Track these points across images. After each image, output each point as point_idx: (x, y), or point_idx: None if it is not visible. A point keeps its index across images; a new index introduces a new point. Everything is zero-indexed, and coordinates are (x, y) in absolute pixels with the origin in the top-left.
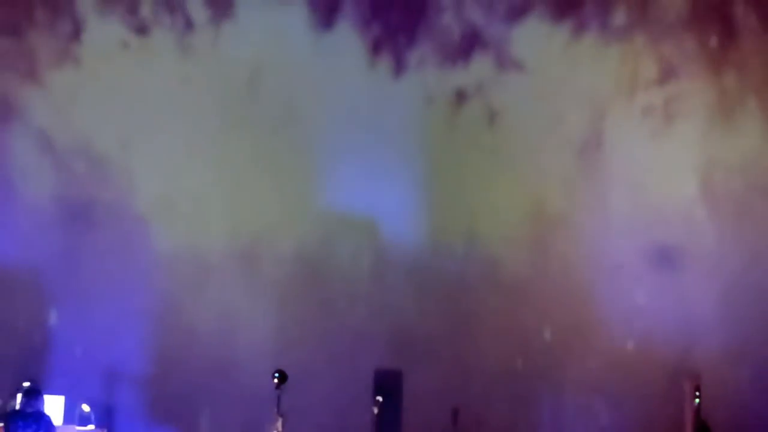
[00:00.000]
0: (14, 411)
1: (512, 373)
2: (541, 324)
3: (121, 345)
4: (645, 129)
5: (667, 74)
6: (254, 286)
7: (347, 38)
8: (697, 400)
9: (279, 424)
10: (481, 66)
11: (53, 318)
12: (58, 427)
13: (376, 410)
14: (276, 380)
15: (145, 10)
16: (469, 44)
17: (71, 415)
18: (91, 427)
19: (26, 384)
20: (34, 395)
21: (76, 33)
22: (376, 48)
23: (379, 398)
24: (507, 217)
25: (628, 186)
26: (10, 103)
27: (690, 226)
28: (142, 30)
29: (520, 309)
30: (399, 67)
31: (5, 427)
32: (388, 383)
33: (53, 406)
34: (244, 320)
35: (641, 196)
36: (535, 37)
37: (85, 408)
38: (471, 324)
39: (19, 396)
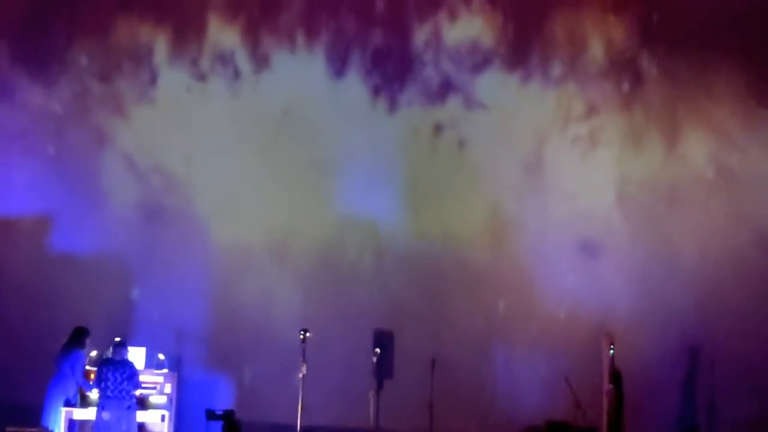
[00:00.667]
0: (106, 359)
1: (476, 334)
2: (497, 298)
3: (187, 312)
4: (575, 153)
5: (591, 111)
6: (284, 271)
7: (354, 84)
8: (612, 353)
9: (303, 368)
10: (453, 106)
11: (136, 293)
12: (140, 370)
13: (375, 359)
14: (301, 336)
15: (204, 64)
16: (445, 89)
17: (150, 361)
18: (165, 371)
19: (116, 339)
20: (121, 347)
21: (153, 80)
22: (375, 92)
23: (378, 350)
24: (472, 219)
25: (562, 196)
26: (103, 133)
27: (608, 227)
28: (201, 78)
29: (482, 288)
30: (392, 106)
31: (98, 371)
32: (383, 340)
33: (137, 355)
34: (277, 296)
35: (572, 203)
36: (493, 84)
37: (161, 357)
38: (445, 299)
39: (110, 348)
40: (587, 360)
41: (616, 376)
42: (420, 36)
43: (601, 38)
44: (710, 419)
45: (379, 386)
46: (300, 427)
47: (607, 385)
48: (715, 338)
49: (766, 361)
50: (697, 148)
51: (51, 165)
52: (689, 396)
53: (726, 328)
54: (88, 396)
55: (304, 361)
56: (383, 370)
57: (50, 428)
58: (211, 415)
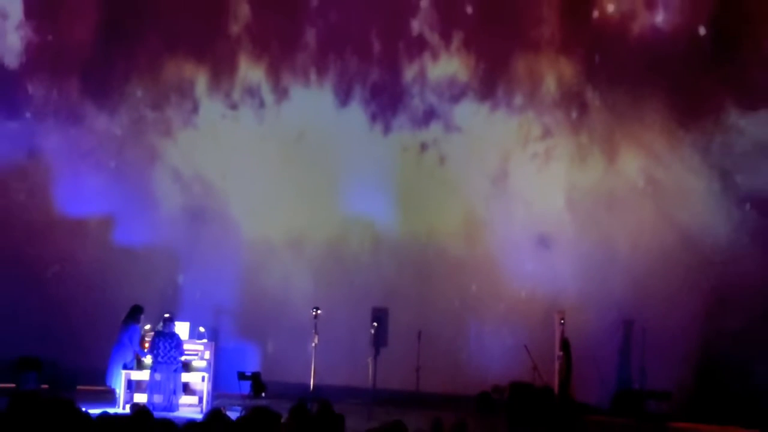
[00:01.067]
0: (158, 331)
1: (453, 311)
2: (470, 282)
3: (223, 293)
4: (533, 167)
5: (546, 134)
6: (300, 260)
7: (356, 112)
8: (562, 325)
9: (315, 339)
10: (435, 129)
11: (181, 278)
12: (185, 340)
13: (373, 331)
14: (314, 312)
15: (236, 95)
16: (428, 116)
17: (193, 333)
18: (205, 341)
19: (166, 315)
20: (169, 321)
21: (195, 108)
22: (373, 118)
23: (375, 324)
24: (450, 219)
25: (522, 201)
26: (155, 151)
27: (559, 226)
28: (234, 107)
29: (458, 274)
30: (386, 129)
31: (151, 341)
32: (380, 316)
33: (182, 328)
34: (294, 280)
35: (530, 207)
36: (468, 112)
37: (201, 329)
38: (429, 283)
39: (161, 322)
40: (542, 332)
41: (565, 345)
42: (409, 73)
43: (553, 75)
44: (642, 378)
45: (376, 353)
46: (312, 385)
47: (558, 352)
48: (646, 314)
49: (685, 333)
50: (631, 163)
51: (113, 177)
52: (625, 360)
53: (654, 307)
54: (143, 361)
55: (316, 332)
56: (379, 340)
57: (113, 387)
58: (242, 376)
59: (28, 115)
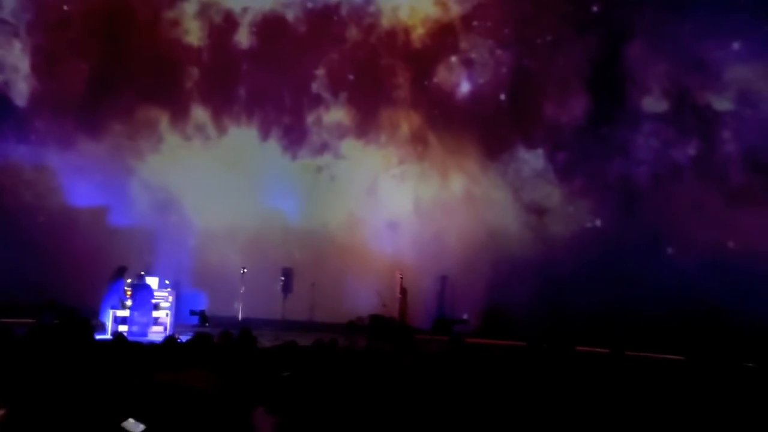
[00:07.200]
0: (135, 284)
1: (336, 272)
2: (350, 254)
3: (182, 258)
4: (393, 183)
5: (401, 162)
6: (235, 240)
7: (273, 145)
8: (401, 278)
9: (242, 288)
10: (327, 157)
11: (153, 248)
12: (155, 289)
13: (282, 283)
14: (242, 271)
15: (189, 131)
16: (323, 148)
17: (161, 284)
18: (169, 289)
19: (141, 272)
20: (142, 277)
21: (160, 140)
22: (285, 149)
23: (283, 278)
24: (338, 217)
25: (385, 205)
26: (131, 169)
27: (409, 222)
28: (188, 139)
29: (342, 250)
30: (294, 157)
31: (131, 290)
32: (287, 274)
33: (153, 281)
34: (229, 254)
35: (390, 208)
36: (349, 146)
37: (167, 282)
38: (321, 255)
39: (137, 277)
40: (390, 283)
41: (403, 291)
42: (310, 119)
43: (407, 122)
44: (451, 311)
45: (285, 297)
46: (241, 318)
47: (398, 295)
48: (455, 274)
49: (479, 285)
50: (456, 182)
51: (102, 184)
52: (440, 300)
53: (461, 270)
54: (126, 303)
55: (242, 284)
56: (287, 289)
57: (104, 321)
58: (192, 312)
59: (33, 138)
